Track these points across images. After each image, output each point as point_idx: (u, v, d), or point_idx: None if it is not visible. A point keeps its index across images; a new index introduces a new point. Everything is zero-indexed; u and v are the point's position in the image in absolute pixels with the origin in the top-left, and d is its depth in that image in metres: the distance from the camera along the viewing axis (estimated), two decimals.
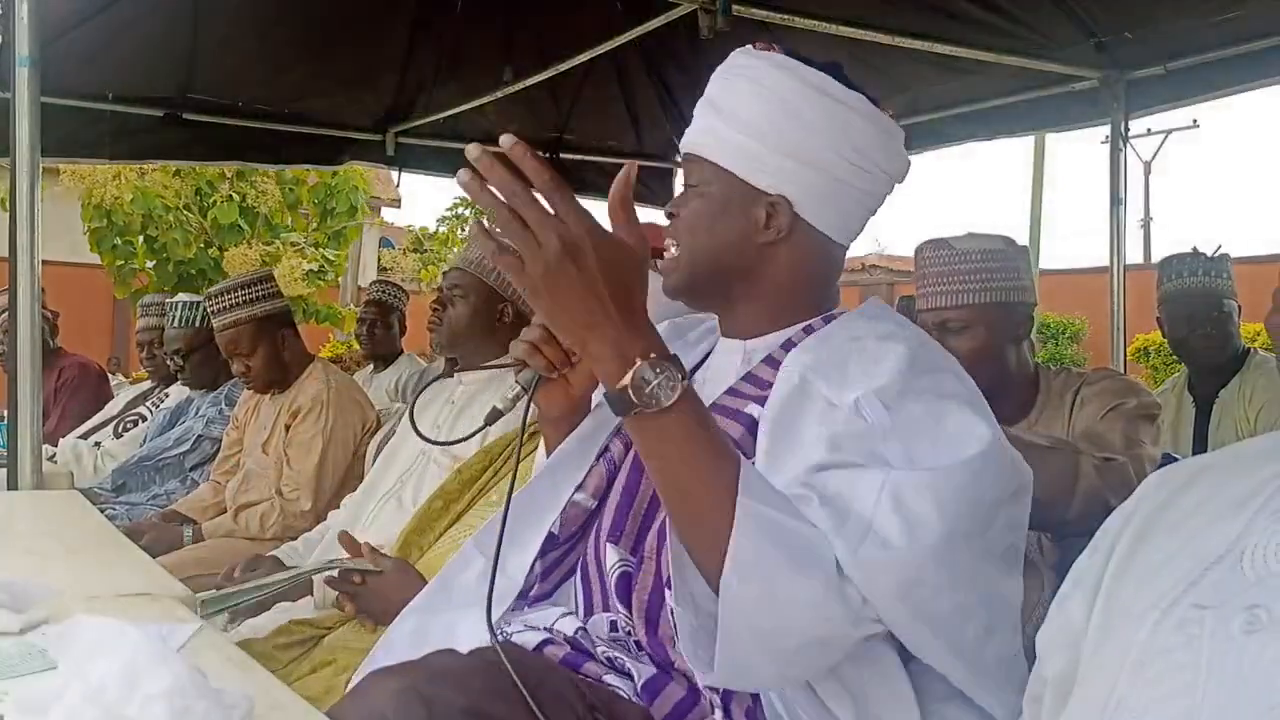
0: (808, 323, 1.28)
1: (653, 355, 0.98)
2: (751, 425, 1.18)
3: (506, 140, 0.96)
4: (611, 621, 1.21)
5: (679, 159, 5.39)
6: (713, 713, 1.10)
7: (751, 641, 0.99)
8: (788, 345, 1.25)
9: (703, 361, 1.36)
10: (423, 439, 1.34)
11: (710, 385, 1.28)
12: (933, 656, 1.05)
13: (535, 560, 1.29)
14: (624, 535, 1.23)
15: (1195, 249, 3.17)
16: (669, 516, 1.06)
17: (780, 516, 0.99)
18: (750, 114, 1.23)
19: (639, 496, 1.25)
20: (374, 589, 1.79)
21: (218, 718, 0.76)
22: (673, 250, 1.28)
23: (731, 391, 1.25)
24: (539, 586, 1.31)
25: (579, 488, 1.30)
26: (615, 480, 1.28)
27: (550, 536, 1.29)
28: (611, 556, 1.22)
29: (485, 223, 1.02)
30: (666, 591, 1.15)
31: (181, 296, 3.83)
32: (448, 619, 1.27)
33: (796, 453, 1.09)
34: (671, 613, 1.09)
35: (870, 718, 1.08)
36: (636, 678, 1.13)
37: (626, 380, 0.97)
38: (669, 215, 1.29)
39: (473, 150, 0.97)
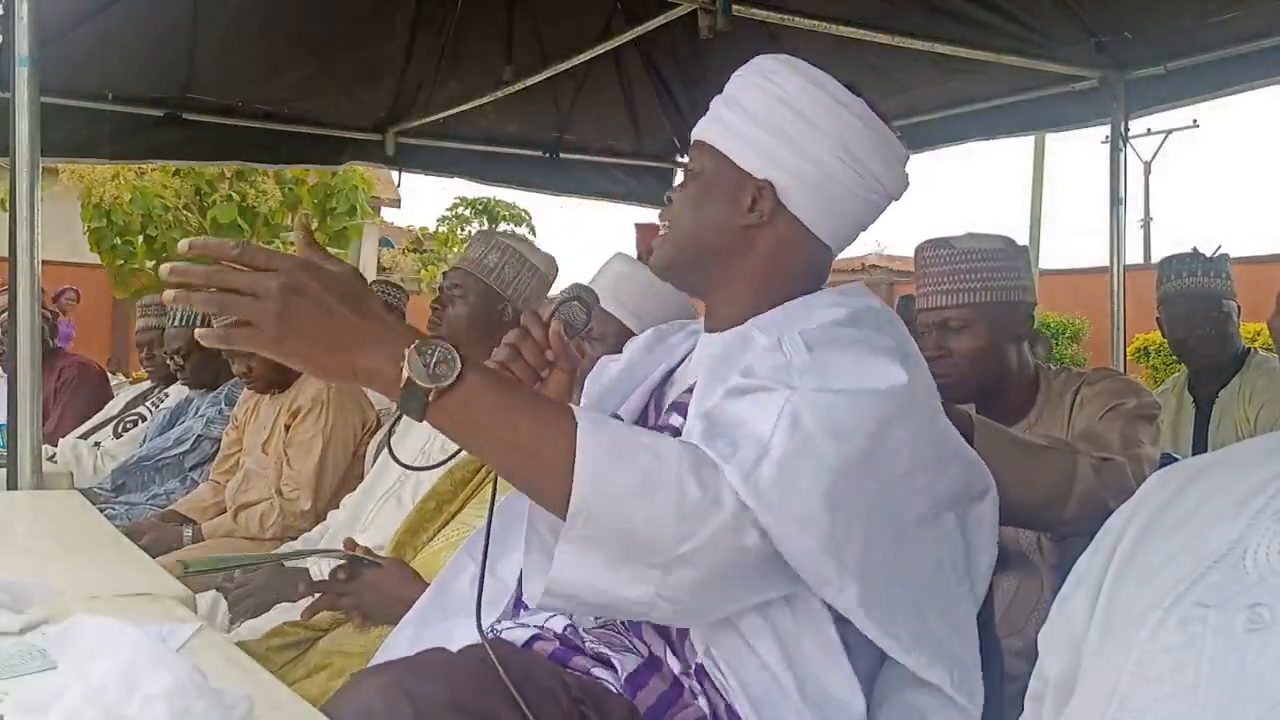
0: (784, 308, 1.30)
1: (415, 342, 0.96)
2: None
3: (183, 245, 0.98)
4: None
5: (679, 159, 5.43)
6: (695, 700, 1.12)
7: (622, 574, 0.98)
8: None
9: (683, 361, 1.38)
10: (403, 466, 1.32)
11: (688, 379, 1.30)
12: (834, 597, 1.05)
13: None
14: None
15: (1195, 249, 3.17)
16: (510, 481, 1.05)
17: (625, 437, 0.99)
18: (753, 103, 1.28)
19: None
20: (371, 583, 1.79)
21: (218, 718, 0.76)
22: (663, 231, 1.33)
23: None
24: None
25: None
26: None
27: None
28: None
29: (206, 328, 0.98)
30: None
31: None
32: (444, 628, 1.28)
33: (714, 382, 1.13)
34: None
35: (801, 662, 1.10)
36: (620, 670, 1.14)
37: (406, 371, 0.95)
38: (667, 200, 1.34)
39: (163, 271, 0.97)
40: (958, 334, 1.96)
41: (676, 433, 1.14)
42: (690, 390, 1.26)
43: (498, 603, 1.28)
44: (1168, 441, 3.01)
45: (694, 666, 1.14)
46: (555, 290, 2.46)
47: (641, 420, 1.35)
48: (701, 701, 1.12)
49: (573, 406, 1.02)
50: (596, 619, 1.22)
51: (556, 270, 2.44)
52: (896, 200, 1.34)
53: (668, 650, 1.16)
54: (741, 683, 1.10)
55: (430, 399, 0.96)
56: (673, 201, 1.33)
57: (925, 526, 1.14)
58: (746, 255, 1.29)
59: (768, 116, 1.26)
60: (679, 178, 5.45)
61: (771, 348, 1.14)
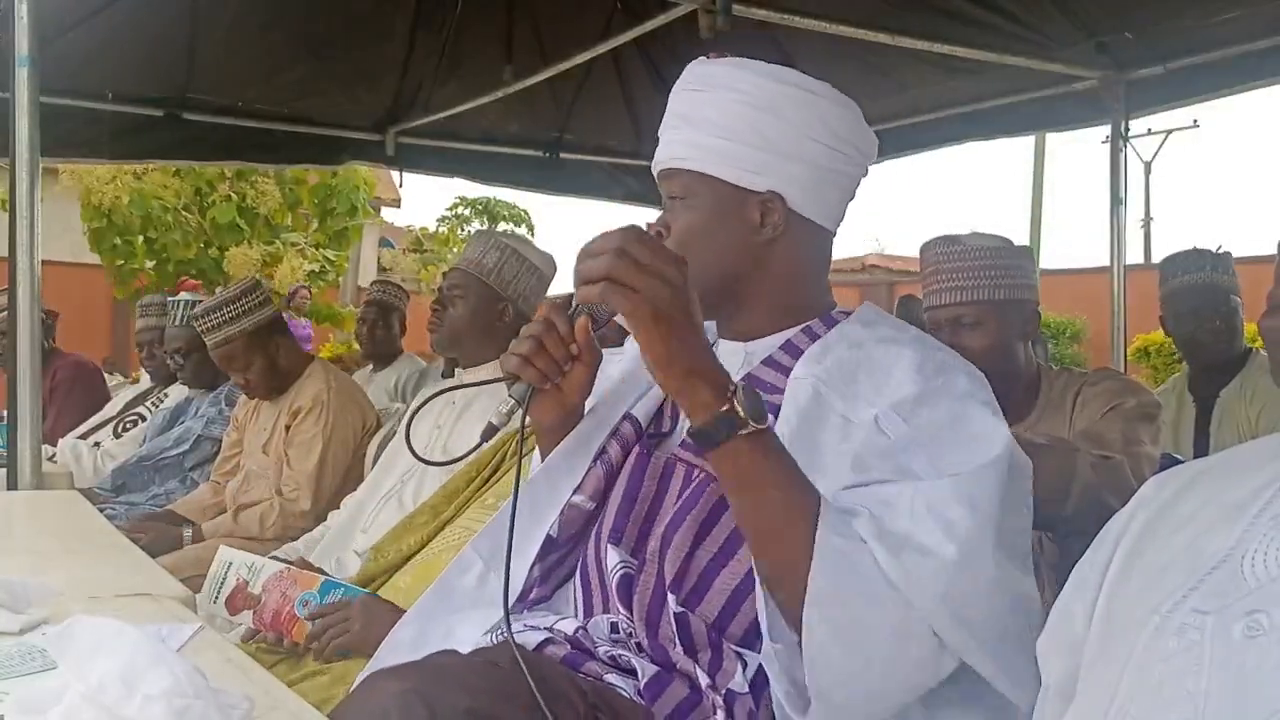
0: (806, 324, 1.29)
1: (739, 382, 1.05)
2: None
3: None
4: (612, 623, 1.20)
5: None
6: (715, 714, 1.10)
7: (836, 676, 1.01)
8: (788, 347, 1.26)
9: None
10: (420, 460, 1.32)
11: None
12: (974, 660, 1.05)
13: (534, 564, 1.28)
14: (625, 537, 1.23)
15: (1196, 248, 3.17)
16: (750, 544, 1.08)
17: (857, 549, 1.01)
18: (725, 117, 1.24)
19: (640, 499, 1.25)
20: (361, 618, 1.75)
21: (218, 718, 0.76)
22: None
23: None
24: (538, 590, 1.31)
25: (577, 490, 1.30)
26: (615, 483, 1.28)
27: (549, 539, 1.29)
28: (613, 558, 1.22)
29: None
30: (669, 596, 1.16)
31: (183, 295, 3.83)
32: (448, 624, 1.27)
33: (820, 471, 1.09)
34: (674, 617, 1.11)
35: None
36: (641, 675, 1.12)
37: (729, 404, 1.02)
38: (658, 235, 1.27)
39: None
40: (970, 331, 1.96)
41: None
42: None
43: (499, 606, 1.27)
44: (1168, 441, 3.00)
45: (724, 691, 1.11)
46: (553, 289, 2.46)
47: (655, 424, 1.33)
48: (722, 715, 1.09)
49: (823, 512, 1.02)
50: (610, 634, 1.20)
51: (555, 269, 2.43)
52: (872, 162, 1.35)
53: (696, 666, 1.13)
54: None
55: (734, 435, 1.02)
56: (669, 236, 1.27)
57: (1026, 561, 1.13)
58: (766, 270, 1.27)
59: (748, 127, 1.23)
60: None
61: (871, 430, 1.11)
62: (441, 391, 2.30)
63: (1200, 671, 0.64)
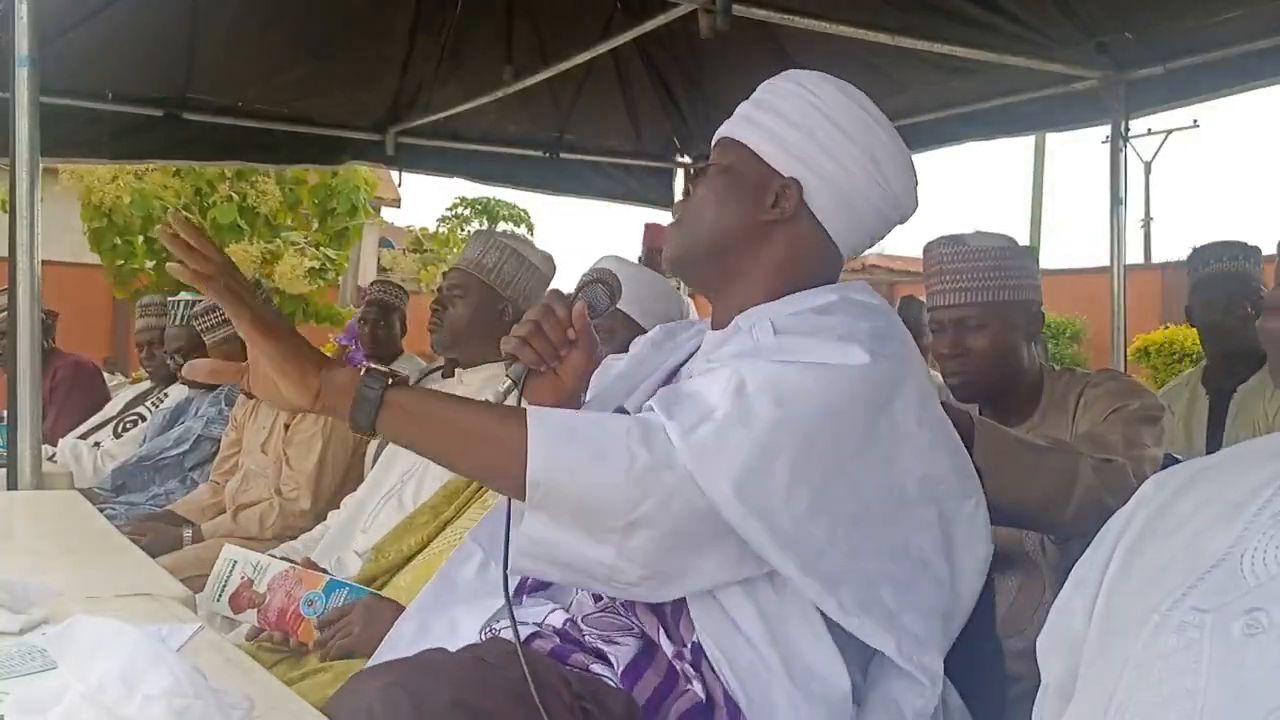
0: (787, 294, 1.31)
1: (364, 368, 1.12)
2: None
3: None
4: (595, 594, 1.24)
5: (679, 159, 5.43)
6: (690, 685, 1.13)
7: (582, 543, 1.05)
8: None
9: (689, 358, 1.38)
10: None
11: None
12: (770, 555, 1.07)
13: None
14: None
15: (1225, 240, 3.17)
16: (465, 470, 1.16)
17: (574, 417, 1.08)
18: (786, 106, 1.31)
19: None
20: (363, 620, 1.76)
21: (218, 718, 0.76)
22: (676, 221, 1.34)
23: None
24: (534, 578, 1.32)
25: None
26: None
27: None
28: None
29: None
30: None
31: (184, 295, 3.83)
32: (450, 616, 1.28)
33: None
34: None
35: (785, 639, 1.12)
36: (616, 663, 1.15)
37: (354, 392, 1.10)
38: (685, 194, 1.34)
39: None
40: (975, 332, 1.95)
41: None
42: None
43: (499, 595, 1.27)
44: (1180, 437, 2.99)
45: (689, 644, 1.15)
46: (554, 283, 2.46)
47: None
48: (696, 685, 1.13)
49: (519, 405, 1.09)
50: (595, 604, 1.23)
51: (554, 268, 2.44)
52: (904, 222, 1.36)
53: (661, 632, 1.17)
54: (729, 660, 1.12)
55: (380, 403, 1.09)
56: (693, 195, 1.34)
57: (891, 508, 1.15)
58: (763, 249, 1.30)
59: (801, 119, 1.29)
60: (678, 185, 5.49)
61: (743, 333, 1.18)
62: (431, 371, 2.30)
63: (1199, 669, 0.64)
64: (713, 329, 1.36)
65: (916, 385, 1.20)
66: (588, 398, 1.46)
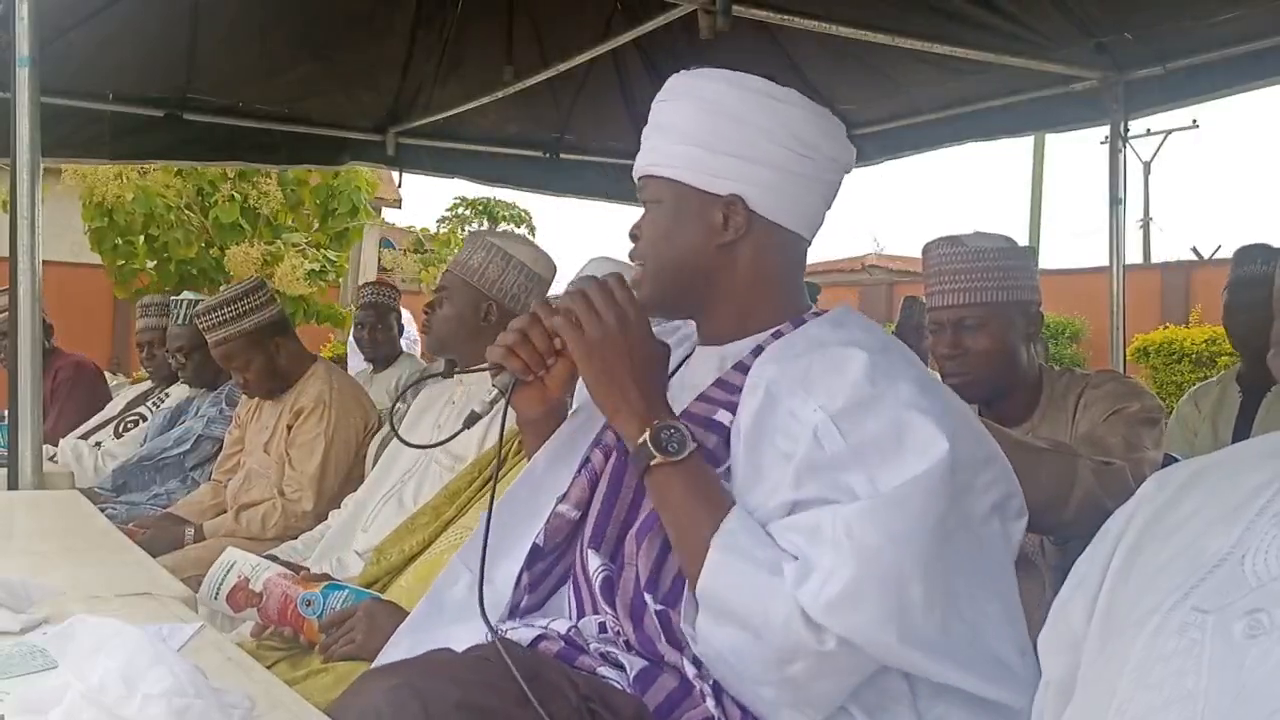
0: (777, 327, 1.30)
1: (667, 420, 1.18)
2: (723, 432, 1.23)
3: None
4: (600, 623, 1.23)
5: None
6: (704, 701, 1.12)
7: (736, 669, 1.10)
8: (758, 351, 1.28)
9: (679, 367, 1.38)
10: (405, 444, 1.34)
11: (686, 392, 1.30)
12: (923, 669, 1.10)
13: (522, 571, 1.30)
14: (604, 541, 1.26)
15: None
16: (677, 556, 1.18)
17: (743, 564, 1.10)
18: (689, 124, 1.28)
19: (618, 505, 1.27)
20: (366, 623, 1.76)
21: (218, 718, 0.76)
22: (637, 270, 1.33)
23: (703, 398, 1.28)
24: (528, 598, 1.32)
25: (562, 499, 1.32)
26: (596, 490, 1.30)
27: (535, 548, 1.31)
28: (594, 561, 1.25)
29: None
30: (647, 596, 1.19)
31: (186, 294, 3.83)
32: (441, 635, 1.27)
33: (764, 474, 1.16)
34: (655, 615, 1.17)
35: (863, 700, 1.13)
36: (629, 669, 1.15)
37: (645, 437, 1.17)
38: (633, 238, 1.34)
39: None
40: (973, 333, 1.95)
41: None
42: (695, 404, 1.28)
43: (495, 609, 1.28)
44: (1206, 432, 2.98)
45: (710, 681, 1.14)
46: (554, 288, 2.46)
47: (624, 453, 1.33)
48: (711, 703, 1.12)
49: (729, 512, 1.14)
50: (599, 634, 1.22)
51: (552, 266, 2.42)
52: (849, 171, 1.35)
53: (684, 659, 1.16)
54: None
55: (648, 465, 1.17)
56: (640, 239, 1.33)
57: (987, 554, 1.17)
58: (732, 271, 1.29)
59: (711, 133, 1.26)
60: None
61: (810, 440, 1.13)
62: (421, 379, 2.30)
63: (1200, 671, 0.64)
64: (701, 344, 1.36)
65: (961, 407, 1.24)
66: (575, 401, 1.46)
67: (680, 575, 1.19)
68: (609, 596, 1.23)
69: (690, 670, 1.14)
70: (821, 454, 1.12)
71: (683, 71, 1.32)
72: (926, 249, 2.05)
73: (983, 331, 1.95)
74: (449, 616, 1.30)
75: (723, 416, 1.24)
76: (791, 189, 1.28)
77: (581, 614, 1.27)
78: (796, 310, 1.32)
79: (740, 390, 1.23)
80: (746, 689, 1.11)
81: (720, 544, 1.10)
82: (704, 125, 1.27)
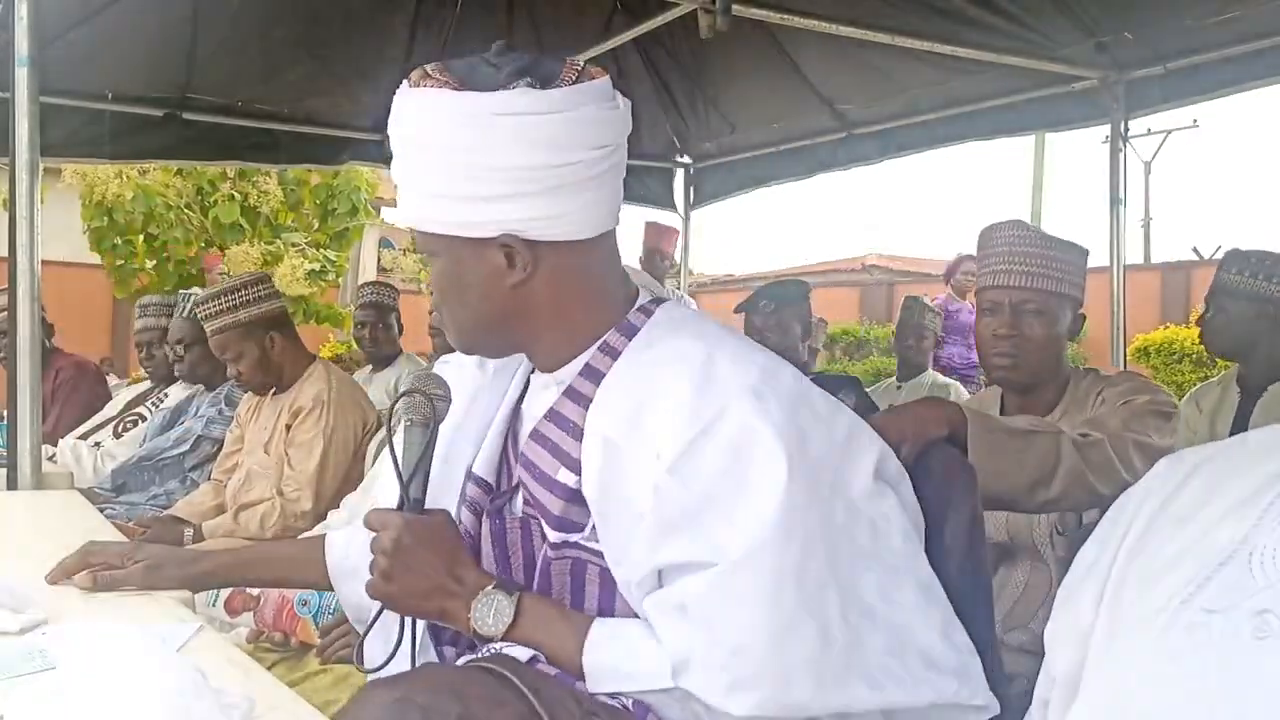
0: (602, 339, 1.20)
1: (481, 592, 1.14)
2: (570, 494, 1.16)
3: None
4: None
5: (679, 159, 5.41)
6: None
7: None
8: (587, 372, 1.19)
9: (524, 394, 1.31)
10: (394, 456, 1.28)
11: (527, 422, 1.25)
12: (871, 704, 1.04)
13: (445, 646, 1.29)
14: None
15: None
16: None
17: (626, 681, 1.09)
18: (430, 173, 1.15)
19: (512, 569, 1.23)
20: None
21: (218, 718, 0.76)
22: (443, 323, 1.27)
23: (539, 437, 1.21)
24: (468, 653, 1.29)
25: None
26: (480, 552, 1.26)
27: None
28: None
29: None
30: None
31: (195, 290, 3.83)
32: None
33: (627, 539, 1.09)
34: None
35: None
36: (629, 703, 1.13)
37: (474, 624, 1.13)
38: (429, 290, 1.28)
39: None
40: (1032, 318, 1.96)
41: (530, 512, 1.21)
42: (536, 451, 1.20)
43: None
44: (1204, 429, 2.98)
45: None
46: None
47: (501, 474, 1.29)
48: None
49: (589, 634, 1.12)
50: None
51: None
52: (629, 129, 1.18)
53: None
54: None
55: (494, 641, 1.13)
56: (434, 293, 1.25)
57: (871, 535, 1.10)
58: (535, 305, 1.18)
59: (445, 181, 1.14)
60: (678, 185, 5.45)
61: (655, 495, 1.06)
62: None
63: (1208, 672, 0.63)
64: (537, 369, 1.27)
65: (795, 383, 1.13)
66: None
67: (601, 608, 1.17)
68: None
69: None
70: (669, 509, 1.05)
71: (403, 89, 1.19)
72: (991, 228, 2.05)
73: (1041, 319, 1.96)
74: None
75: (565, 477, 1.16)
76: (564, 199, 1.13)
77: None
78: (618, 310, 1.21)
79: (576, 428, 1.16)
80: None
81: (593, 673, 1.10)
82: (445, 171, 1.13)
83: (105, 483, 3.47)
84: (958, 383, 4.65)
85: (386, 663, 1.18)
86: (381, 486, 1.46)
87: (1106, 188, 3.79)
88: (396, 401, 1.21)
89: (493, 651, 1.18)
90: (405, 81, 1.20)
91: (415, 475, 1.17)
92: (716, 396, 1.07)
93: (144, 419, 3.91)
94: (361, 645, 1.21)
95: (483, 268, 1.16)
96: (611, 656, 1.10)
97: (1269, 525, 0.67)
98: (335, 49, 4.03)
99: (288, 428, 2.92)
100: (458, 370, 1.32)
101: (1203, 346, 3.16)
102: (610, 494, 1.11)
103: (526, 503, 1.22)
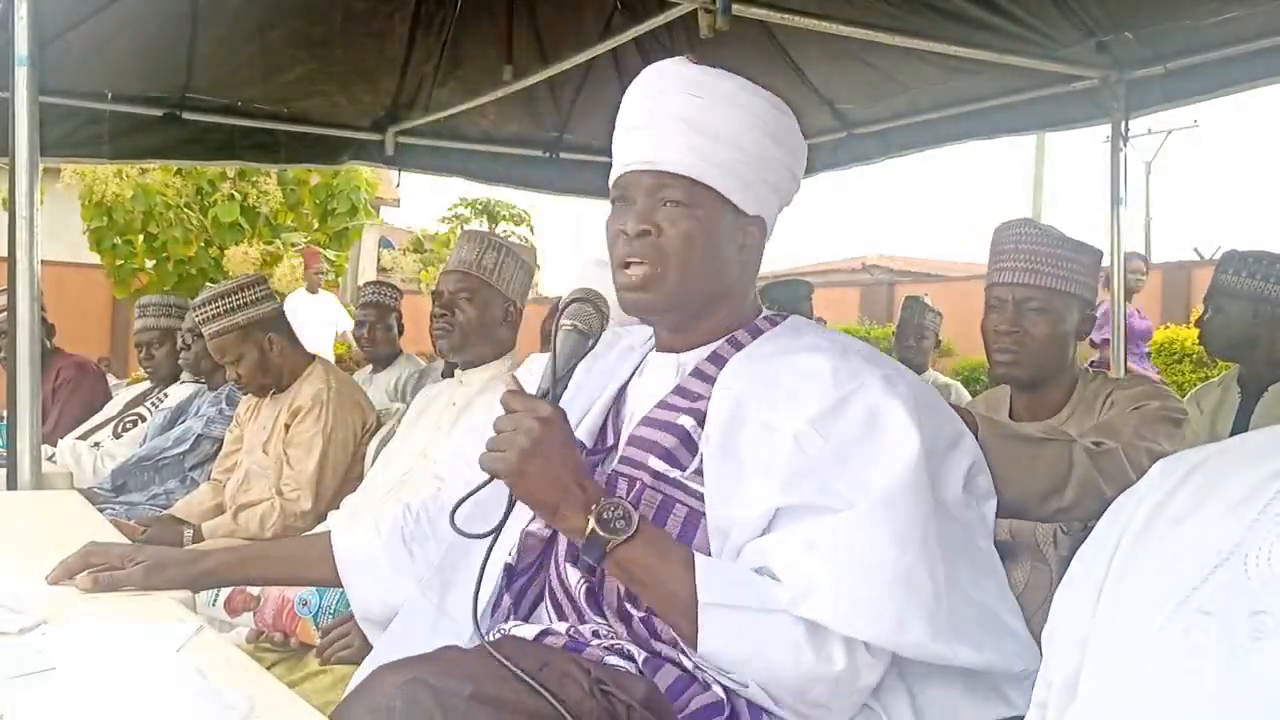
0: (733, 334, 1.31)
1: (601, 500, 1.15)
2: (684, 436, 1.23)
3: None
4: (594, 630, 1.23)
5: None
6: (710, 687, 1.14)
7: (749, 696, 1.12)
8: (714, 358, 1.29)
9: (632, 376, 1.37)
10: (465, 535, 1.29)
11: (645, 399, 1.31)
12: (959, 661, 1.12)
13: (504, 592, 1.31)
14: (580, 556, 1.24)
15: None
16: (663, 621, 1.18)
17: (738, 612, 1.11)
18: (738, 136, 1.25)
19: None
20: (358, 630, 1.77)
21: (217, 718, 0.76)
22: (641, 269, 1.25)
23: (663, 405, 1.28)
24: (512, 617, 1.32)
25: (532, 519, 1.31)
26: None
27: (508, 567, 1.31)
28: (573, 575, 1.26)
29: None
30: (627, 605, 1.21)
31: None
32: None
33: (744, 481, 1.16)
34: (640, 621, 1.20)
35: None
36: (637, 657, 1.16)
37: (593, 524, 1.14)
38: (643, 234, 1.25)
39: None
40: (1034, 315, 1.96)
41: (647, 470, 1.24)
42: (655, 410, 1.27)
43: (454, 641, 1.26)
44: (1205, 430, 2.98)
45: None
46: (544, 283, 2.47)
47: (599, 440, 1.34)
48: (719, 689, 1.14)
49: (697, 564, 1.12)
50: (594, 640, 1.22)
51: (537, 263, 2.47)
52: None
53: (679, 653, 1.17)
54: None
55: (605, 552, 1.14)
56: (660, 235, 1.24)
57: (961, 532, 1.20)
58: (734, 288, 1.31)
59: (758, 153, 1.26)
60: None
61: (792, 447, 1.15)
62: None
63: (1204, 674, 0.63)
64: (658, 350, 1.35)
65: (921, 388, 1.25)
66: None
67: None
68: (595, 605, 1.23)
69: (689, 663, 1.15)
70: (804, 459, 1.14)
71: (711, 69, 1.28)
72: (1001, 227, 2.07)
73: (1044, 316, 1.97)
74: (411, 647, 1.24)
75: (684, 421, 1.24)
76: (782, 204, 1.35)
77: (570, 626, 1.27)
78: (750, 313, 1.34)
79: (702, 398, 1.24)
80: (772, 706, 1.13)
81: (708, 601, 1.10)
82: (754, 142, 1.26)
83: (105, 483, 3.47)
84: (959, 383, 4.67)
85: (496, 533, 1.18)
86: (453, 456, 1.48)
87: (1107, 188, 3.79)
88: (568, 304, 1.24)
89: (502, 634, 1.20)
90: (686, 60, 1.31)
91: (562, 379, 1.22)
92: (854, 376, 1.19)
93: (144, 419, 3.91)
94: (454, 512, 1.20)
95: (730, 238, 1.28)
96: (724, 580, 1.13)
97: (1265, 526, 0.67)
98: (335, 48, 4.03)
99: (287, 427, 2.92)
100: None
101: (1202, 347, 3.16)
102: (732, 442, 1.18)
103: (623, 460, 1.26)
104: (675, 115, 1.26)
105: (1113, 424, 1.83)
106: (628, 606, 1.20)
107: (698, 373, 1.28)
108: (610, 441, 1.33)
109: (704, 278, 1.26)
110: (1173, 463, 0.78)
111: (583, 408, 1.36)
